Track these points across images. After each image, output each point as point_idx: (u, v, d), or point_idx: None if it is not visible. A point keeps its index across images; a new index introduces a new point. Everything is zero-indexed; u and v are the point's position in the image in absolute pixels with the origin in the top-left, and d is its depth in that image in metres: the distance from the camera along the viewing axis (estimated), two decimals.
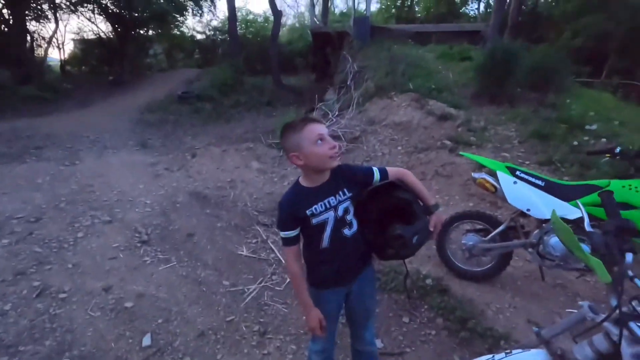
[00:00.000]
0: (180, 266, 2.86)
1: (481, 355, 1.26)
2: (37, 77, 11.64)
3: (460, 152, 2.92)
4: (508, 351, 1.26)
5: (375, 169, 1.45)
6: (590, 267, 1.10)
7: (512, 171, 2.30)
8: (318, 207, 1.34)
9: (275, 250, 3.17)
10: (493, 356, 1.24)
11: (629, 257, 1.02)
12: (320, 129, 1.30)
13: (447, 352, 2.03)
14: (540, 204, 2.18)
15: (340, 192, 1.38)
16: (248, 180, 4.80)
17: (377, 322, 2.29)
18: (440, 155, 4.67)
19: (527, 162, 4.28)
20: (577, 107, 5.40)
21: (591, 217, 2.06)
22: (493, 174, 2.37)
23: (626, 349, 1.00)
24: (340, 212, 1.37)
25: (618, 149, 2.22)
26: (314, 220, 1.34)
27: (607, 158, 2.41)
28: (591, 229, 1.11)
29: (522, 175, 2.27)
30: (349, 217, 1.40)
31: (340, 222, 1.37)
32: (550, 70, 6.29)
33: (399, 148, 5.28)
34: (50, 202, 3.86)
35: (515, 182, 2.26)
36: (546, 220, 2.22)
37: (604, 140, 4.22)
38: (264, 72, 14.90)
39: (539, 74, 6.27)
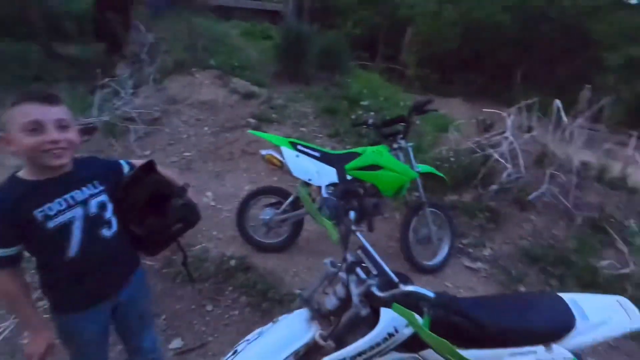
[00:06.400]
0: None
1: None
2: None
3: (249, 130, 2.98)
4: (275, 320, 1.35)
5: (121, 161, 1.30)
6: (324, 228, 1.26)
7: (294, 145, 2.49)
8: (54, 205, 1.05)
9: None
10: (261, 330, 1.30)
11: (351, 214, 1.21)
12: (39, 113, 0.98)
13: (249, 328, 2.06)
14: (319, 173, 2.45)
15: (90, 185, 1.14)
16: None
17: (178, 319, 2.13)
18: (247, 134, 4.70)
19: (320, 135, 4.83)
20: (355, 86, 6.43)
21: (356, 180, 2.47)
22: (279, 149, 2.51)
23: (354, 290, 1.20)
24: (93, 208, 1.12)
25: (370, 121, 2.70)
26: (50, 224, 1.04)
27: (365, 128, 2.90)
28: (327, 195, 1.26)
29: (302, 148, 2.49)
30: (107, 214, 1.17)
31: (94, 221, 1.13)
32: (336, 54, 7.25)
33: (206, 128, 5.04)
34: None
35: (297, 156, 2.46)
36: (326, 187, 2.53)
37: (372, 113, 5.19)
38: (28, 38, 11.33)
39: (328, 56, 7.13)
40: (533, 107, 4.24)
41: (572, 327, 1.24)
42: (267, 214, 2.62)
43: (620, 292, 2.67)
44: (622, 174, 3.93)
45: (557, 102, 3.70)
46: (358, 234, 1.21)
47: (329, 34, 8.74)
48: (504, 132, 3.94)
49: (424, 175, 2.78)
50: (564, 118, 3.65)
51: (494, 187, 3.47)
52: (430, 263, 2.76)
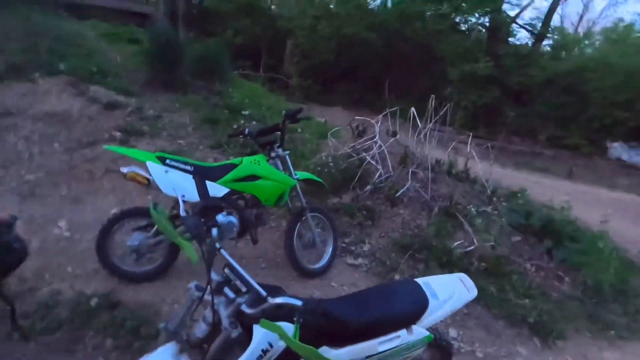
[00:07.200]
0: None
1: None
2: None
3: (105, 146, 2.61)
4: None
5: None
6: (183, 249, 1.16)
7: (162, 160, 2.26)
8: None
9: None
10: None
11: (214, 231, 1.13)
12: None
13: None
14: (192, 189, 2.27)
15: None
16: None
17: None
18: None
19: (201, 147, 4.56)
20: (237, 95, 6.30)
21: (236, 192, 2.37)
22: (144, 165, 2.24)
23: (223, 312, 1.12)
24: None
25: (247, 131, 2.66)
26: None
27: (242, 138, 2.83)
28: (184, 214, 1.16)
29: (172, 162, 2.28)
30: None
31: None
32: (215, 62, 6.97)
33: (56, 145, 4.22)
34: None
35: (166, 171, 2.24)
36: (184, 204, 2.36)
37: (254, 122, 5.15)
38: None
39: (206, 64, 6.81)
40: (396, 114, 4.82)
41: (427, 308, 1.40)
42: (135, 239, 2.30)
43: (469, 265, 3.22)
44: (465, 168, 4.78)
45: (412, 110, 4.28)
46: (222, 251, 1.14)
47: (208, 42, 8.39)
48: (374, 137, 4.38)
49: (305, 182, 2.86)
50: (418, 123, 4.24)
51: (369, 187, 3.81)
52: (316, 266, 2.84)
